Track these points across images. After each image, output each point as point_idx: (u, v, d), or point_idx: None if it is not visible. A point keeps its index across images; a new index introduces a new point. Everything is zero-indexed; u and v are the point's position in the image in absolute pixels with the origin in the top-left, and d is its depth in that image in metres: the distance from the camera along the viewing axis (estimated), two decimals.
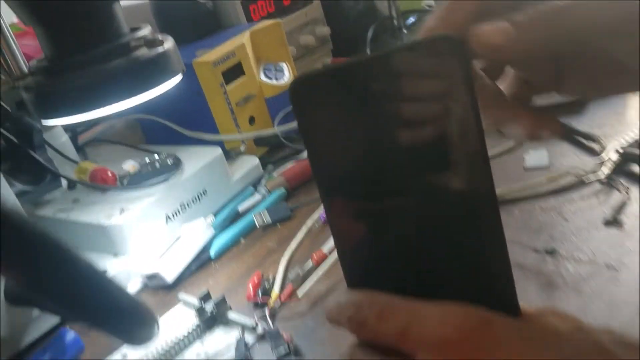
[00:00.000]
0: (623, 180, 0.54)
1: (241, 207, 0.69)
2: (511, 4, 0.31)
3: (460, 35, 0.28)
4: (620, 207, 0.50)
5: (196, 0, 0.88)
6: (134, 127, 0.87)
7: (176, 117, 0.78)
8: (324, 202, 0.30)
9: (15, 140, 0.53)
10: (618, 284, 0.43)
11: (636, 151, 0.55)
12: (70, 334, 0.53)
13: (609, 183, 0.54)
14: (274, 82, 0.82)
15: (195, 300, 0.53)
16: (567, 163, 0.59)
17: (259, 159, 0.78)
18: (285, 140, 0.79)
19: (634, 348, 0.28)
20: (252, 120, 0.80)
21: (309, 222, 0.63)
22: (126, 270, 0.60)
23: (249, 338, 0.50)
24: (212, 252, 0.63)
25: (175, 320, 0.54)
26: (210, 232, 0.64)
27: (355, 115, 0.28)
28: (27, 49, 0.75)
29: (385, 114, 0.28)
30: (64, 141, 0.72)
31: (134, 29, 0.54)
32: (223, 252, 0.64)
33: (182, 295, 0.57)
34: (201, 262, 0.63)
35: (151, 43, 0.46)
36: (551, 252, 0.48)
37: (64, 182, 0.68)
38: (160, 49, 0.43)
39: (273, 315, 0.52)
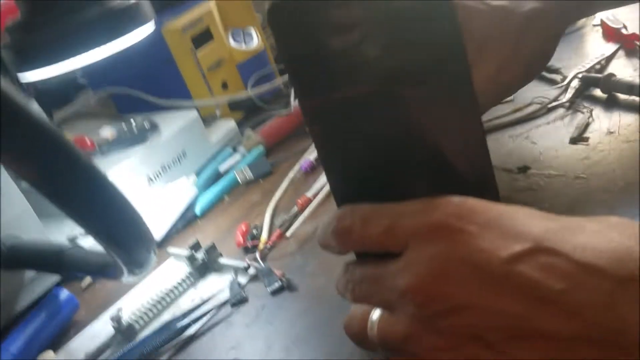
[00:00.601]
0: (586, 103, 0.57)
1: (222, 167, 0.70)
2: None
3: None
4: (585, 126, 0.53)
5: None
6: (106, 102, 0.87)
7: (148, 87, 0.79)
8: (303, 108, 0.30)
9: None
10: (586, 192, 0.46)
11: (595, 75, 0.58)
12: (64, 293, 0.53)
13: (572, 107, 0.57)
14: (243, 47, 0.83)
15: (185, 252, 0.54)
16: (531, 94, 0.61)
17: (236, 123, 0.79)
18: (259, 102, 0.80)
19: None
20: (225, 85, 0.81)
21: (291, 174, 0.65)
22: None
23: (242, 279, 0.51)
24: (198, 209, 0.64)
25: (168, 273, 0.55)
26: (193, 190, 0.65)
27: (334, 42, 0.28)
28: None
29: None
30: None
31: None
32: (208, 209, 0.65)
33: (172, 249, 0.58)
34: (187, 220, 0.64)
35: None
36: (523, 170, 0.50)
37: None
38: (133, 0, 0.44)
39: (263, 257, 0.53)
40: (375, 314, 0.31)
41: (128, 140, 0.66)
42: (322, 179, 0.61)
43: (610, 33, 0.66)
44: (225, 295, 0.50)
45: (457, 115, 0.30)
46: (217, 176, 0.70)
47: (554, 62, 0.65)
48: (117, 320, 0.48)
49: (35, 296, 0.57)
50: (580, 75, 0.59)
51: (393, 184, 0.31)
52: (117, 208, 0.34)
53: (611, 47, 0.64)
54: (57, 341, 0.52)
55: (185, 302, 0.51)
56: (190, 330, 0.47)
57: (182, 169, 0.68)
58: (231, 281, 0.51)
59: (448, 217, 0.28)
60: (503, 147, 0.55)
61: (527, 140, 0.55)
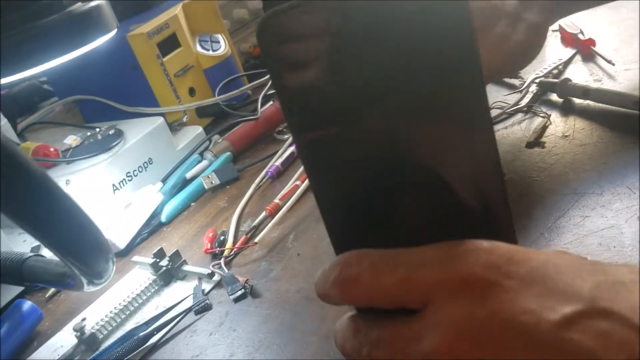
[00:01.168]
0: (543, 108, 0.58)
1: (189, 174, 0.70)
2: None
3: None
4: (542, 130, 0.54)
5: None
6: (72, 110, 0.86)
7: (115, 94, 0.79)
8: (296, 139, 0.27)
9: None
10: (540, 194, 0.47)
11: (552, 80, 0.59)
12: (27, 304, 0.53)
13: (531, 111, 0.58)
14: (210, 52, 0.83)
15: (149, 260, 0.54)
16: (491, 99, 0.62)
17: (204, 129, 0.79)
18: (227, 109, 0.80)
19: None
20: (192, 91, 0.81)
21: (257, 180, 0.65)
22: None
23: (206, 286, 0.51)
24: (163, 216, 0.64)
25: (133, 281, 0.55)
26: (159, 197, 0.65)
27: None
28: None
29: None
30: (3, 124, 0.71)
31: None
32: (174, 216, 0.65)
33: (136, 258, 0.57)
34: (153, 228, 0.64)
35: None
36: None
37: None
38: (94, 3, 0.44)
39: (229, 263, 0.53)
40: None
41: (92, 148, 0.65)
42: (289, 184, 0.62)
43: (568, 38, 0.68)
44: (189, 302, 0.50)
45: (470, 144, 0.26)
46: (184, 183, 0.70)
47: None
48: (80, 330, 0.48)
49: None
50: (537, 80, 0.61)
51: (396, 223, 0.28)
52: (72, 219, 0.34)
53: (569, 52, 0.66)
54: (20, 352, 0.51)
55: (149, 310, 0.51)
56: (153, 339, 0.47)
57: (149, 176, 0.68)
58: (195, 288, 0.51)
59: (481, 268, 0.24)
60: None
61: None
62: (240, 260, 0.54)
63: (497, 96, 0.62)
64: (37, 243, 0.59)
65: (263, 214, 0.58)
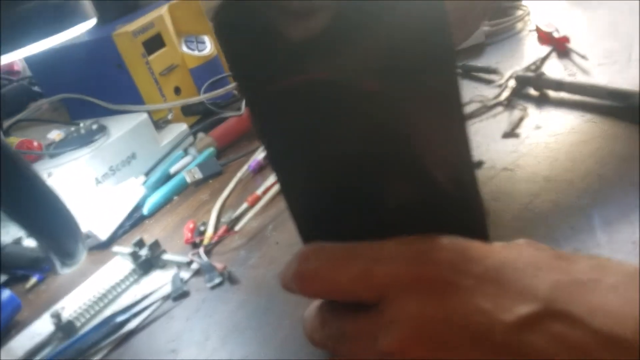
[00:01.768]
0: (521, 101, 0.59)
1: (173, 169, 0.70)
2: None
3: None
4: (518, 122, 0.55)
5: None
6: (59, 109, 0.86)
7: (101, 93, 0.79)
8: (249, 100, 0.25)
9: None
10: (513, 181, 0.48)
11: (528, 74, 0.60)
12: (6, 293, 0.53)
13: (510, 105, 0.59)
14: (196, 53, 0.84)
15: (128, 249, 0.55)
16: (471, 94, 0.63)
17: (189, 128, 0.79)
18: (212, 107, 0.80)
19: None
20: (177, 90, 0.81)
21: (239, 174, 0.66)
22: None
23: (185, 274, 0.51)
24: (145, 209, 0.64)
25: (112, 271, 0.55)
26: (142, 190, 0.65)
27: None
28: None
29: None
30: None
31: None
32: (156, 209, 0.65)
33: (116, 248, 0.58)
34: (135, 220, 0.64)
35: None
36: (477, 165, 0.51)
37: None
38: None
39: (208, 252, 0.54)
40: None
41: (75, 142, 0.66)
42: (271, 177, 0.62)
43: (544, 37, 0.69)
44: (166, 290, 0.50)
45: (441, 121, 0.26)
46: (167, 177, 0.70)
47: (492, 64, 0.68)
48: (57, 316, 0.48)
49: None
50: (515, 76, 0.62)
51: (361, 207, 0.27)
52: (41, 196, 0.35)
53: (545, 50, 0.67)
54: None
55: (127, 299, 0.51)
56: (130, 325, 0.47)
57: (132, 171, 0.69)
58: (173, 276, 0.51)
59: (437, 266, 0.23)
60: None
61: None
62: (220, 249, 0.54)
63: (477, 91, 0.63)
64: (19, 235, 0.59)
65: (244, 205, 0.59)
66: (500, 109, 0.60)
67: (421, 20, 0.24)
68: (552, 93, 0.58)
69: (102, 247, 0.61)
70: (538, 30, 0.70)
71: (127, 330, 0.47)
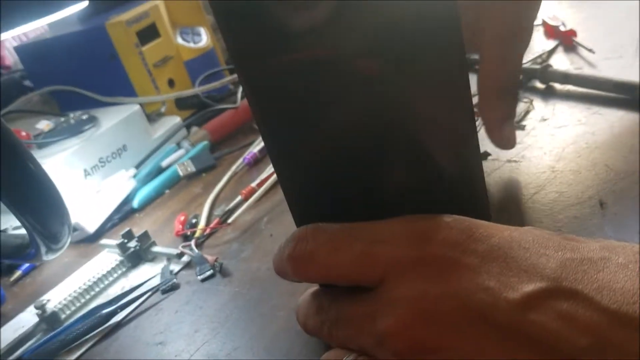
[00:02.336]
0: (527, 94, 0.58)
1: (165, 162, 0.68)
2: None
3: None
4: (524, 114, 0.54)
5: None
6: (49, 102, 0.84)
7: (93, 84, 0.77)
8: (245, 74, 0.24)
9: None
10: (517, 173, 0.46)
11: (534, 67, 0.59)
12: None
13: None
14: (191, 45, 0.82)
15: (117, 241, 0.52)
16: (474, 87, 0.61)
17: (183, 121, 0.77)
18: (207, 101, 0.79)
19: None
20: (171, 83, 0.79)
21: (234, 167, 0.64)
22: None
23: (175, 267, 0.49)
24: (136, 202, 0.62)
25: (99, 264, 0.53)
26: (132, 183, 0.63)
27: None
28: None
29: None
30: None
31: None
32: (147, 203, 0.63)
33: (105, 240, 0.56)
34: (124, 214, 0.62)
35: None
36: (483, 157, 0.49)
37: None
38: None
39: (199, 245, 0.51)
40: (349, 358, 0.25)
41: (64, 132, 0.64)
42: (266, 170, 0.60)
43: (550, 31, 0.67)
44: (155, 282, 0.48)
45: (446, 106, 0.25)
46: (158, 171, 0.68)
47: None
48: (41, 308, 0.46)
49: None
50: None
51: (362, 189, 0.26)
52: (29, 173, 0.33)
53: (551, 44, 0.66)
54: None
55: (115, 291, 0.49)
56: (117, 317, 0.45)
57: (122, 163, 0.66)
58: (163, 268, 0.49)
59: (440, 245, 0.22)
60: None
61: None
62: (212, 242, 0.52)
63: None
64: (5, 226, 0.57)
65: (238, 197, 0.57)
66: None
67: (429, 7, 0.23)
68: (558, 86, 0.57)
69: (90, 241, 0.59)
70: (544, 24, 0.69)
71: (114, 323, 0.44)
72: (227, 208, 0.56)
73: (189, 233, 0.53)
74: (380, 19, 0.23)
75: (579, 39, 0.63)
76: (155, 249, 0.51)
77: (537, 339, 0.20)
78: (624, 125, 0.47)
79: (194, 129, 0.76)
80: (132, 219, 0.62)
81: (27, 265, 0.58)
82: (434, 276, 0.21)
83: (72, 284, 0.51)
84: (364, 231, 0.24)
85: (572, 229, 0.38)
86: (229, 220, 0.53)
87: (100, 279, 0.49)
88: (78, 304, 0.48)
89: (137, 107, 0.70)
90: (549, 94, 0.56)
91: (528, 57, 0.63)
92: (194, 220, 0.55)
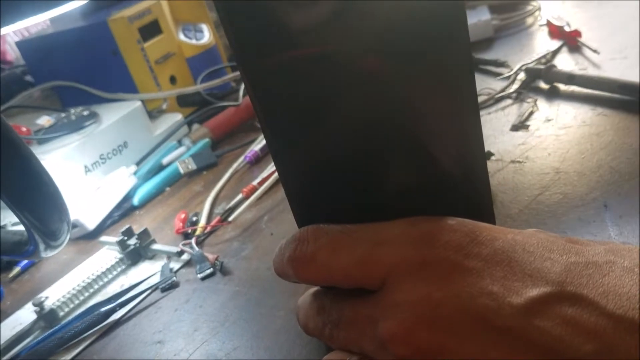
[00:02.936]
0: (531, 94, 0.57)
1: (165, 160, 0.68)
2: None
3: None
4: (528, 115, 0.53)
5: None
6: (51, 97, 0.84)
7: (94, 81, 0.77)
8: (248, 72, 0.23)
9: None
10: (521, 173, 0.45)
11: (538, 67, 0.58)
12: None
13: (519, 98, 0.57)
14: (193, 41, 0.82)
15: (116, 238, 0.52)
16: (480, 86, 0.61)
17: (185, 118, 0.77)
18: (209, 98, 0.78)
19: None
20: (173, 79, 0.79)
21: (235, 165, 0.63)
22: None
23: (175, 265, 0.49)
24: (136, 199, 0.62)
25: (98, 262, 0.53)
26: (132, 180, 0.63)
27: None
28: None
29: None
30: None
31: None
32: (147, 200, 0.63)
33: (104, 237, 0.55)
34: (124, 211, 0.62)
35: None
36: (487, 157, 0.49)
37: None
38: None
39: (200, 243, 0.51)
40: None
41: (65, 128, 0.63)
42: (268, 168, 0.60)
43: (555, 31, 0.67)
44: (155, 280, 0.47)
45: (451, 105, 0.24)
46: (159, 168, 0.68)
47: (501, 57, 0.66)
48: (39, 305, 0.46)
49: None
50: (524, 68, 0.60)
51: (364, 190, 0.25)
52: (28, 167, 0.32)
53: (556, 44, 0.65)
54: None
55: (114, 289, 0.49)
56: (116, 315, 0.44)
57: (123, 160, 0.66)
58: (163, 266, 0.48)
59: (443, 248, 0.22)
60: None
61: None
62: (212, 240, 0.52)
63: (485, 83, 0.61)
64: (3, 222, 0.56)
65: (239, 195, 0.56)
66: (509, 101, 0.57)
67: (434, 4, 0.22)
68: (562, 86, 0.56)
69: (90, 238, 0.59)
70: (549, 24, 0.68)
71: (112, 321, 0.44)
72: (228, 206, 0.55)
73: (189, 231, 0.53)
74: (384, 15, 0.22)
75: (583, 39, 0.63)
76: (155, 246, 0.51)
77: (541, 345, 0.19)
78: (629, 126, 0.47)
79: (195, 126, 0.75)
80: (132, 216, 0.61)
81: (25, 261, 0.57)
82: (436, 279, 0.21)
83: (70, 281, 0.51)
84: (365, 233, 0.23)
85: (576, 231, 0.37)
86: (230, 219, 0.53)
87: (99, 277, 0.49)
88: (76, 302, 0.48)
89: (138, 103, 0.69)
90: (553, 95, 0.56)
91: (532, 57, 0.63)
92: (194, 218, 0.55)
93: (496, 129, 0.53)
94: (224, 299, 0.43)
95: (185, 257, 0.49)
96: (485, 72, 0.65)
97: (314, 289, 0.29)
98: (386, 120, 0.24)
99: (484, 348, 0.20)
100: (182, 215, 0.55)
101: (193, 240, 0.50)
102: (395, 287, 0.22)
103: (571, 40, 0.64)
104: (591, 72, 0.57)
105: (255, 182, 0.57)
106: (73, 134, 0.62)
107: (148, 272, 0.49)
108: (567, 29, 0.65)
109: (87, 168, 0.62)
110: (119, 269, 0.50)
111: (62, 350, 0.42)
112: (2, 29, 0.44)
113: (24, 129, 0.63)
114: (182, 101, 0.79)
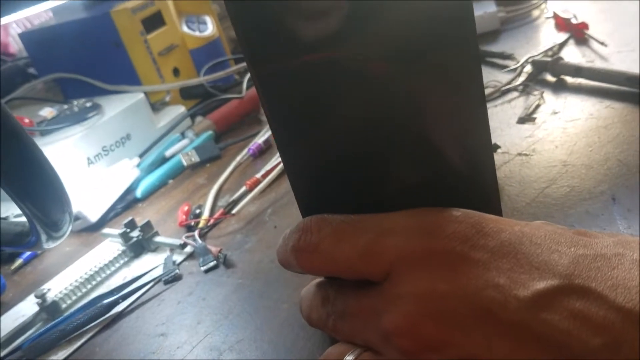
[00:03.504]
0: (537, 87, 0.57)
1: (168, 152, 0.68)
2: None
3: None
4: (535, 107, 0.53)
5: None
6: (53, 89, 0.84)
7: (97, 72, 0.76)
8: (258, 76, 0.24)
9: None
10: (528, 166, 0.45)
11: (545, 59, 0.58)
12: None
13: (525, 90, 0.57)
14: (197, 33, 0.81)
15: (119, 230, 0.52)
16: (486, 78, 0.60)
17: (188, 111, 0.76)
18: (212, 90, 0.78)
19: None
20: (176, 71, 0.79)
21: (239, 157, 0.63)
22: None
23: (178, 257, 0.49)
24: (139, 192, 0.61)
25: (101, 254, 0.52)
26: (135, 172, 0.63)
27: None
28: None
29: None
30: None
31: None
32: (150, 192, 0.63)
33: (107, 230, 0.55)
34: (127, 203, 0.61)
35: None
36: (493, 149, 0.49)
37: None
38: None
39: (203, 235, 0.51)
40: (352, 355, 0.24)
41: (68, 119, 0.63)
42: (271, 161, 0.60)
43: (562, 23, 0.66)
44: (158, 272, 0.47)
45: (459, 99, 0.24)
46: (162, 160, 0.67)
47: (507, 49, 0.65)
48: (41, 297, 0.45)
49: None
50: (531, 60, 0.59)
51: (370, 181, 0.25)
52: (30, 157, 0.32)
53: (562, 36, 0.65)
54: None
55: (116, 281, 0.48)
56: (118, 307, 0.44)
57: (126, 152, 0.66)
58: (166, 259, 0.48)
59: (448, 239, 0.21)
60: None
61: None
62: (215, 232, 0.51)
63: (492, 76, 0.61)
64: (6, 214, 0.56)
65: (242, 188, 0.56)
66: (516, 94, 0.57)
67: (442, 4, 0.22)
68: (569, 79, 0.55)
69: (92, 230, 0.58)
70: (556, 16, 0.68)
71: (115, 313, 0.44)
72: (231, 199, 0.55)
73: (192, 223, 0.52)
74: (393, 19, 0.22)
75: (590, 31, 0.62)
76: (158, 239, 0.51)
77: (548, 338, 0.19)
78: (637, 119, 0.46)
79: (199, 118, 0.75)
80: (135, 208, 0.61)
81: (28, 253, 0.57)
82: (441, 271, 0.21)
83: (73, 273, 0.51)
84: (370, 223, 0.23)
85: (584, 224, 0.37)
86: (233, 211, 0.53)
87: (101, 269, 0.49)
88: (79, 294, 0.47)
89: (141, 95, 0.69)
90: (560, 87, 0.55)
91: (539, 50, 0.62)
92: (197, 211, 0.55)
93: (503, 121, 0.52)
94: (227, 291, 0.43)
95: (188, 249, 0.49)
96: (491, 65, 0.64)
97: (318, 279, 0.28)
98: (393, 115, 0.24)
99: (490, 341, 0.20)
100: (185, 208, 0.55)
101: (196, 233, 0.50)
102: (399, 279, 0.22)
103: (578, 33, 0.63)
104: (598, 64, 0.57)
105: (258, 175, 0.57)
106: (76, 126, 0.62)
107: (151, 264, 0.49)
108: (574, 21, 0.64)
109: (90, 160, 0.62)
110: (121, 262, 0.50)
111: (64, 343, 0.42)
112: (3, 19, 0.44)
113: (26, 121, 0.63)
114: (185, 93, 0.79)
